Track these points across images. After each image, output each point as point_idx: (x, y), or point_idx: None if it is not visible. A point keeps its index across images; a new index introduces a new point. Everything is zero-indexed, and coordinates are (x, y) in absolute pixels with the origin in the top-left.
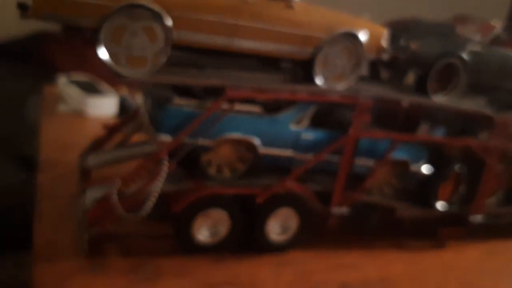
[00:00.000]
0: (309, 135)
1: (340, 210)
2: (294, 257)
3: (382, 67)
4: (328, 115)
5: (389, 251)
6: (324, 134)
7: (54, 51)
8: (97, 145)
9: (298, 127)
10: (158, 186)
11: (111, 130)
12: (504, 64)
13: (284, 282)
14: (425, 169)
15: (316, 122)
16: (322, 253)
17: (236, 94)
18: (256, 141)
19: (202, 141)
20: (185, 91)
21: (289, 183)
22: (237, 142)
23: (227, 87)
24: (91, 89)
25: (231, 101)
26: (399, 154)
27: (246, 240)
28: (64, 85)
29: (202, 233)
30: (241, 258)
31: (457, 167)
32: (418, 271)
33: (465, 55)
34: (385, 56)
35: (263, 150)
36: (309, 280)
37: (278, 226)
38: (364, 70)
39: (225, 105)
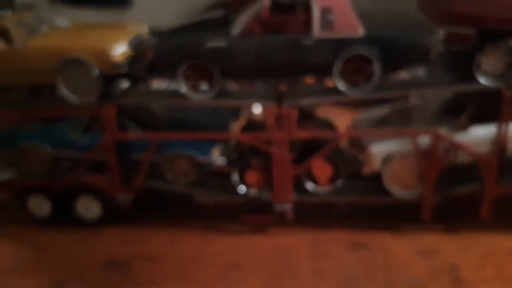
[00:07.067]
0: (85, 140)
1: (123, 197)
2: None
3: None
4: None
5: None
6: (94, 138)
7: None
8: None
9: (75, 134)
10: None
11: None
12: None
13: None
14: (217, 160)
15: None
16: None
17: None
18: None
19: None
20: None
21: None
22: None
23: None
24: None
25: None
26: (183, 149)
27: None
28: None
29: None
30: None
31: (255, 157)
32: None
33: None
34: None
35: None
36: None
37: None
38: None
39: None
